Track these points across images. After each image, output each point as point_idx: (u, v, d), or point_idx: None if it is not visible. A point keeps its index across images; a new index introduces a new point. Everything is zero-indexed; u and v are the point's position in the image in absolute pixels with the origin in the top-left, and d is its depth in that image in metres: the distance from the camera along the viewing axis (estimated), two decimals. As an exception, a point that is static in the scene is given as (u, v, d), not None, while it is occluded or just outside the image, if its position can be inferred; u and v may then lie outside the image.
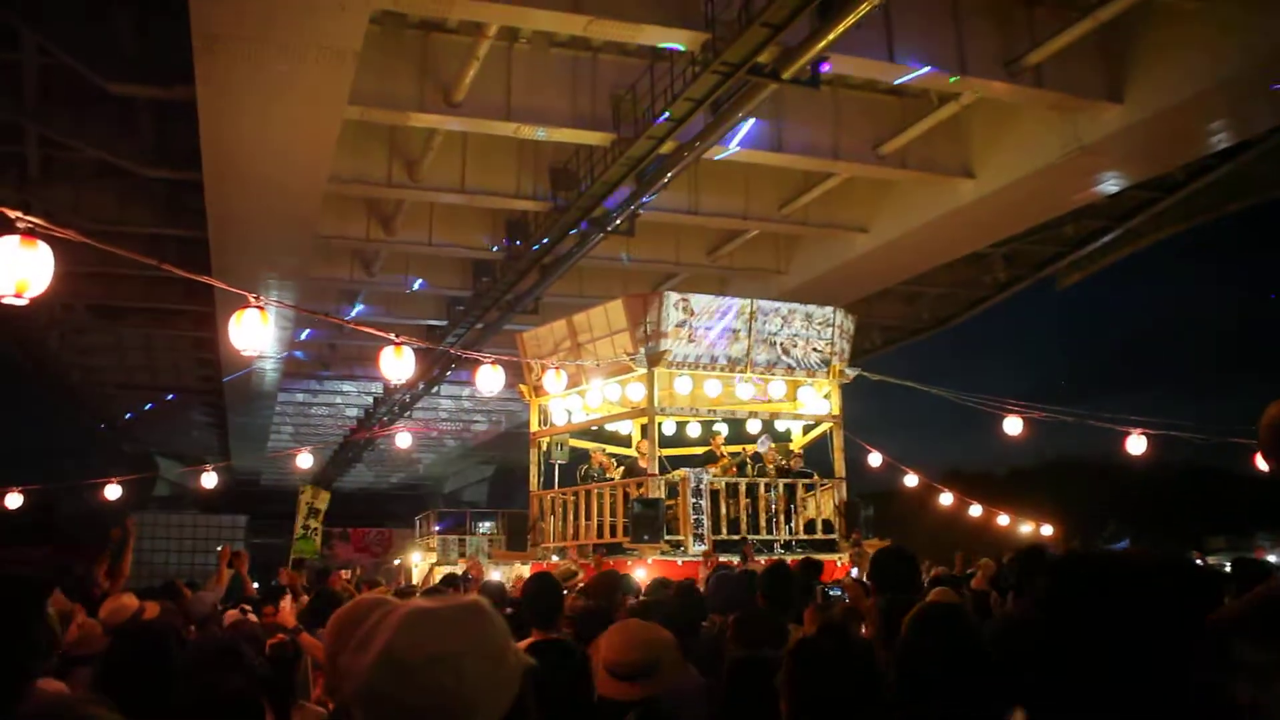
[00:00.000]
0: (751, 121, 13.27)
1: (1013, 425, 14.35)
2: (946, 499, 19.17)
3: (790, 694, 2.53)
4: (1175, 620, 1.43)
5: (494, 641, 1.43)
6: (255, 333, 6.31)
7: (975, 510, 19.77)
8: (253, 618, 5.92)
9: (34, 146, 15.95)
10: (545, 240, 15.83)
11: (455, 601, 1.47)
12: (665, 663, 3.50)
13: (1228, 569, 7.58)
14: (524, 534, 15.08)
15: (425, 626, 1.40)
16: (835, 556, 12.74)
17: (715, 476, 13.24)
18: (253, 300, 6.18)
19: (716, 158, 14.38)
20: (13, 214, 4.85)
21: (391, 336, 7.44)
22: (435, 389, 25.43)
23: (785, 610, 5.10)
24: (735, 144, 13.81)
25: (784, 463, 14.02)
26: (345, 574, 14.57)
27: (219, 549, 9.24)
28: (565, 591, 6.84)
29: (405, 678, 1.35)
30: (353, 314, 20.41)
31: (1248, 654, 1.73)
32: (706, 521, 12.57)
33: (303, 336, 24.02)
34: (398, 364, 7.63)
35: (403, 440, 20.76)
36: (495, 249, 18.18)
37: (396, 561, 27.17)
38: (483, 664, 1.39)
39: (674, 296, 13.75)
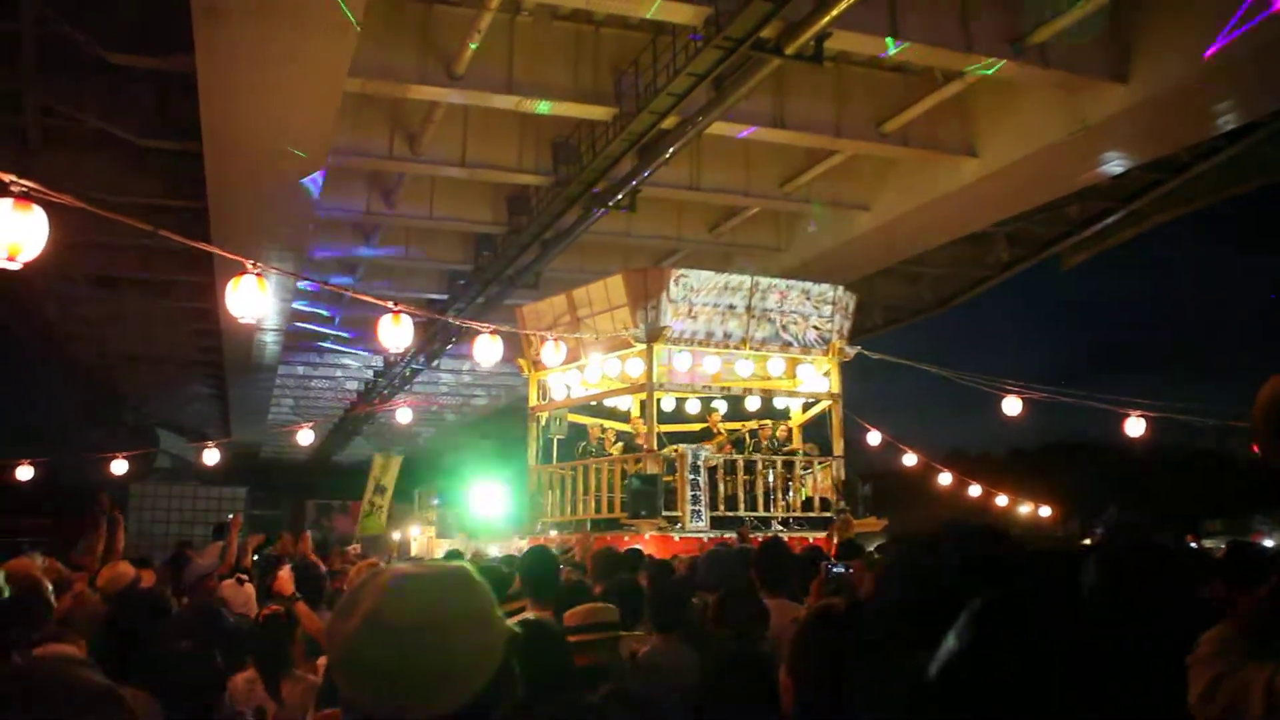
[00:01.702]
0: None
1: (1012, 406, 14.36)
2: (946, 479, 19.20)
3: (801, 672, 2.33)
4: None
5: (480, 608, 1.43)
6: (252, 300, 6.29)
7: (975, 491, 19.79)
8: (249, 587, 5.94)
9: (33, 115, 15.87)
10: (552, 218, 15.77)
11: (441, 567, 1.47)
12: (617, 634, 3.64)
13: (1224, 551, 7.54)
14: (522, 508, 15.14)
15: (411, 591, 1.40)
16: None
17: (711, 454, 13.26)
18: (249, 266, 6.15)
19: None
20: (6, 177, 4.82)
21: (390, 304, 7.41)
22: (435, 363, 25.43)
23: (778, 588, 5.07)
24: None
25: (779, 439, 14.06)
26: (354, 548, 14.59)
27: (229, 518, 9.20)
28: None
29: (390, 642, 1.34)
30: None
31: None
32: (704, 498, 12.60)
33: (302, 306, 24.03)
34: (396, 332, 7.61)
35: (403, 414, 20.78)
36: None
37: (396, 535, 27.19)
38: (468, 630, 1.39)
39: (675, 272, 13.74)
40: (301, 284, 18.98)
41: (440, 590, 1.41)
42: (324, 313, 24.48)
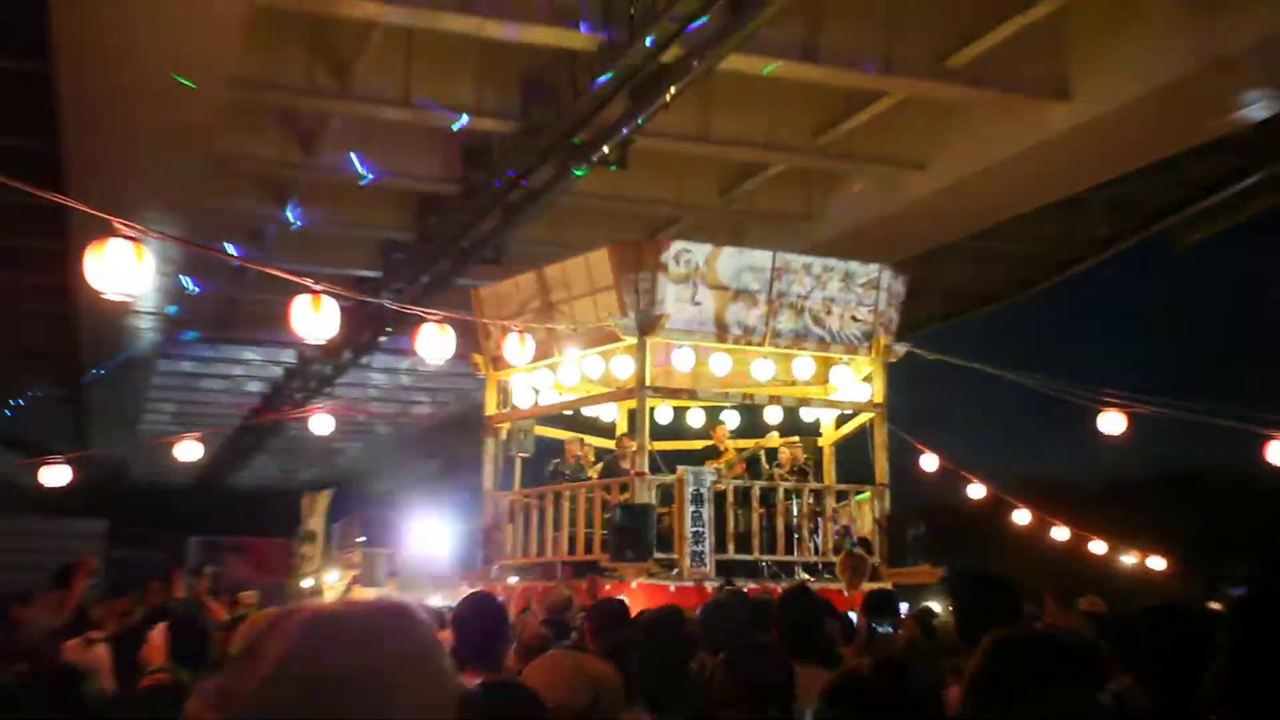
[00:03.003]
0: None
1: (1112, 423, 14.37)
2: (1022, 517, 19.26)
3: None
4: None
5: (423, 654, 1.43)
6: (121, 270, 6.15)
7: (1061, 533, 19.86)
8: (100, 649, 5.89)
9: None
10: (520, 175, 15.75)
11: (373, 604, 1.48)
12: (604, 698, 3.59)
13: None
14: (473, 548, 15.19)
15: (335, 633, 1.39)
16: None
17: (719, 477, 13.29)
18: (119, 226, 6.07)
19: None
20: None
21: (309, 283, 7.38)
22: (365, 359, 25.44)
23: (807, 653, 4.98)
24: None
25: (805, 462, 14.14)
26: (248, 596, 14.52)
27: (82, 558, 9.29)
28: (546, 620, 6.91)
29: (308, 696, 1.33)
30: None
31: None
32: (709, 536, 12.62)
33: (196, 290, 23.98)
34: (314, 319, 7.49)
35: (321, 424, 20.70)
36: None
37: (307, 583, 27.11)
38: (410, 681, 1.39)
39: (675, 246, 13.78)
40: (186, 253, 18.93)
41: (372, 633, 1.41)
42: (193, 287, 24.19)
